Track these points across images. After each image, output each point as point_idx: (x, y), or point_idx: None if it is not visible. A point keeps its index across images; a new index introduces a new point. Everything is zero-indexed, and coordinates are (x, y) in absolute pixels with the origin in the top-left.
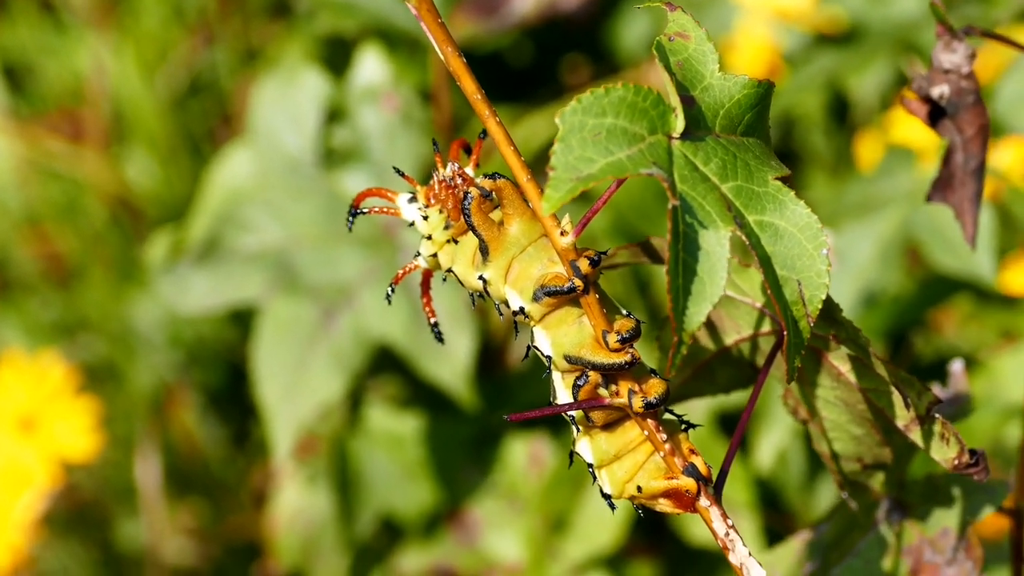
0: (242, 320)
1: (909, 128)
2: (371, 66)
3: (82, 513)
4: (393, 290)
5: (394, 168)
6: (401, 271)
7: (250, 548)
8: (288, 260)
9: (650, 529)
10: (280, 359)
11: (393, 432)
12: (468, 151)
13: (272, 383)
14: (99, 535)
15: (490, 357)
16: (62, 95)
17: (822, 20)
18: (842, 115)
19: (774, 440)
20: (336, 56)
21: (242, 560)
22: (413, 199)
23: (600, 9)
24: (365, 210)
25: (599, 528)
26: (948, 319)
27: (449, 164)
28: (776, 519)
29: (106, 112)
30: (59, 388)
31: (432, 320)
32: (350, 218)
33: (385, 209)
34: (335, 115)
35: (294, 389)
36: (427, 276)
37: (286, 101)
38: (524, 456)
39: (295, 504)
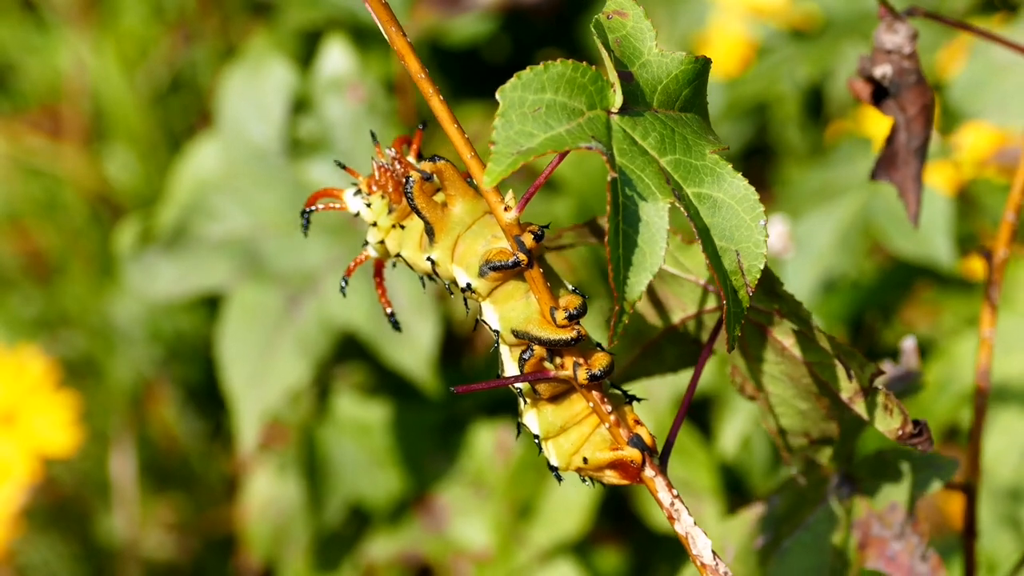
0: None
1: (882, 121)
2: (337, 57)
3: (62, 507)
4: (347, 282)
5: (335, 161)
6: (353, 263)
7: (228, 541)
8: (254, 248)
9: (616, 515)
10: (246, 345)
11: (360, 420)
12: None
13: (238, 369)
14: (79, 529)
15: (455, 345)
16: (43, 92)
17: (796, 16)
18: (817, 109)
19: (737, 426)
20: (309, 49)
21: (220, 553)
22: (359, 192)
23: (565, 2)
24: (314, 209)
25: (565, 514)
26: (915, 308)
27: (386, 150)
28: (740, 504)
29: (86, 109)
30: (39, 383)
31: (388, 310)
32: (304, 222)
33: (332, 205)
34: (301, 105)
35: (260, 375)
36: (379, 266)
37: (252, 91)
38: (490, 443)
39: (266, 493)
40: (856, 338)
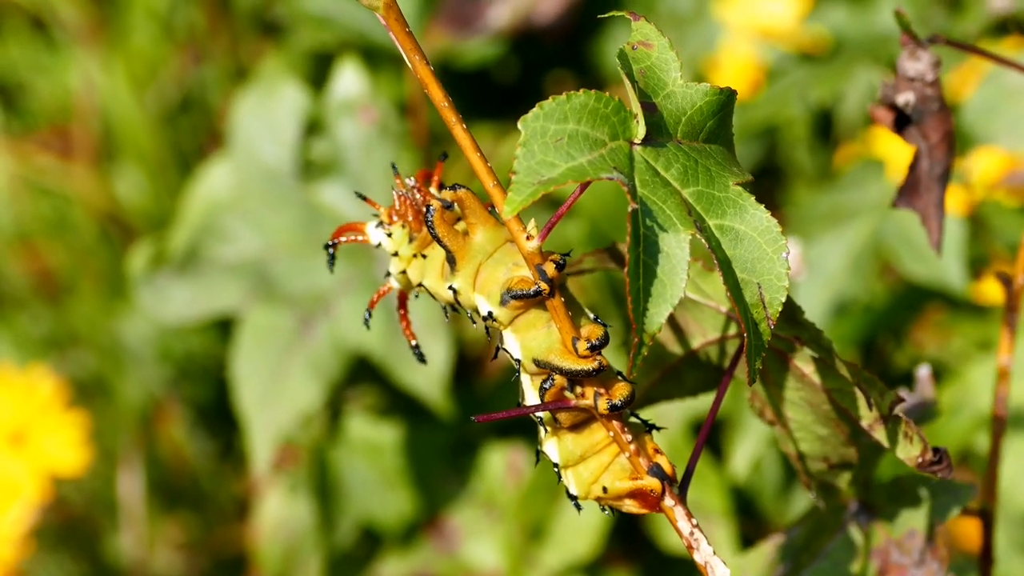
0: (231, 334)
1: (891, 143)
2: (349, 79)
3: (71, 526)
4: (371, 315)
5: (356, 193)
6: (376, 295)
7: (238, 561)
8: (266, 270)
9: (627, 537)
10: (258, 367)
11: (372, 441)
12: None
13: (250, 391)
14: (88, 548)
15: (467, 366)
16: (53, 112)
17: (806, 39)
18: (826, 130)
19: (749, 448)
20: (321, 71)
21: (230, 573)
22: (380, 224)
23: (577, 24)
24: (337, 242)
25: (576, 536)
26: (925, 331)
27: (406, 179)
28: (751, 526)
29: (96, 128)
30: (48, 402)
31: (413, 342)
32: (329, 257)
33: (355, 238)
34: (314, 127)
35: (272, 397)
36: (403, 297)
37: (265, 113)
38: (502, 464)
39: (277, 514)
40: (868, 361)
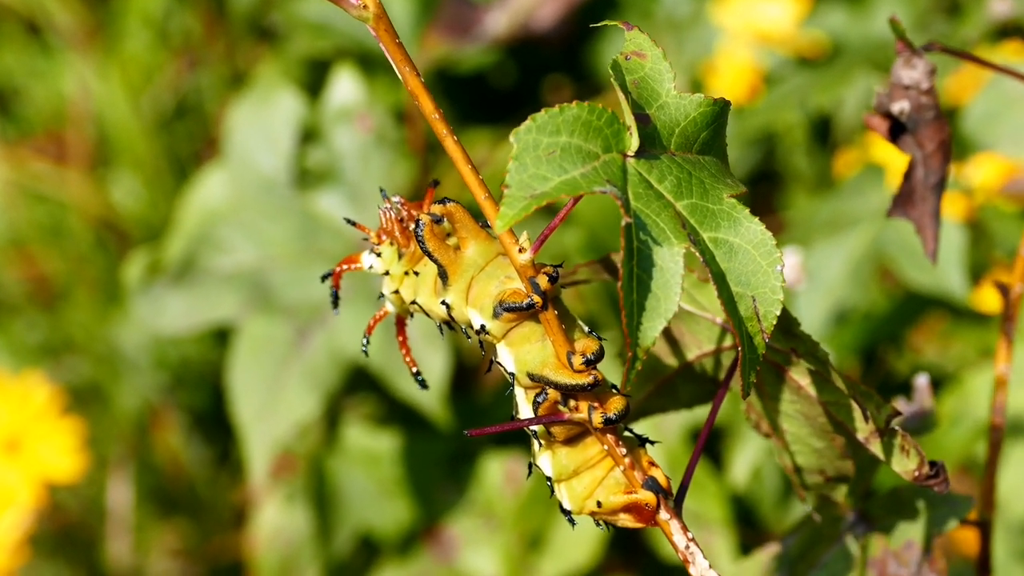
0: (227, 341)
1: (889, 148)
2: (345, 87)
3: (67, 533)
4: (368, 341)
5: (345, 219)
6: (372, 320)
7: (234, 568)
8: (262, 280)
9: (626, 546)
10: (255, 378)
11: (370, 450)
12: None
13: (247, 402)
14: (84, 555)
15: (465, 375)
16: (48, 118)
17: (804, 43)
18: (824, 135)
19: (748, 457)
20: (317, 78)
21: None
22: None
23: (575, 30)
24: (331, 272)
25: (575, 545)
26: (926, 337)
27: (393, 198)
28: (751, 535)
29: (91, 134)
30: (44, 409)
31: (414, 369)
32: (333, 298)
33: (348, 268)
34: (310, 135)
35: (269, 407)
36: (400, 322)
37: (261, 122)
38: (500, 474)
39: (274, 523)
40: (868, 369)
